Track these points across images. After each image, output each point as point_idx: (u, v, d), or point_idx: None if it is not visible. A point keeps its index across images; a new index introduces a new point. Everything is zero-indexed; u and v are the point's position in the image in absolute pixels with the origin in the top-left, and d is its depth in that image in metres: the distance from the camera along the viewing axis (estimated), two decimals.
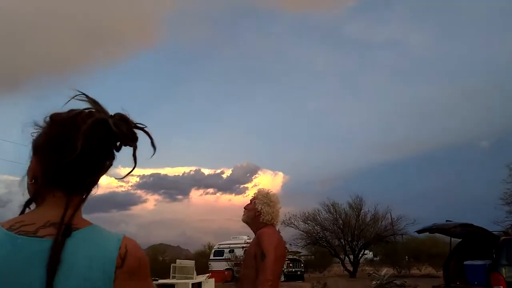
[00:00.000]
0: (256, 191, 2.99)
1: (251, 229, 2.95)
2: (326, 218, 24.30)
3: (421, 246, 24.93)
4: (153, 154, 1.10)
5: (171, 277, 8.91)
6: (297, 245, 23.59)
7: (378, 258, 33.79)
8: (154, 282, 8.51)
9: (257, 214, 2.84)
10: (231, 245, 23.27)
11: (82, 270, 0.93)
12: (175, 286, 8.35)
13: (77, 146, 0.95)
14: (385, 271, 12.83)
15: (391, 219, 25.11)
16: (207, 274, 9.39)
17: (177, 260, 9.71)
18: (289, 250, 20.85)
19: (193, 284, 8.47)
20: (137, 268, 1.02)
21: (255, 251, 2.63)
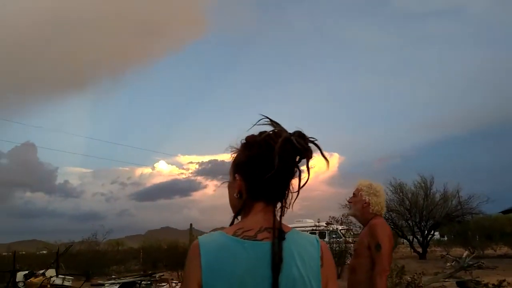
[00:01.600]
0: (358, 183, 3.08)
1: (359, 221, 3.06)
2: (392, 199, 23.68)
3: (494, 225, 23.58)
4: (327, 165, 1.29)
5: None
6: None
7: (446, 238, 32.65)
8: None
9: (365, 206, 2.93)
10: (296, 229, 23.56)
11: (297, 268, 1.12)
12: None
13: (274, 163, 1.15)
14: (466, 253, 12.31)
15: (459, 197, 24.00)
16: None
17: None
18: (353, 232, 20.67)
19: None
20: (332, 267, 1.22)
21: (369, 242, 2.75)
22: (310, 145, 1.22)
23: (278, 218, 1.19)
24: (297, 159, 1.22)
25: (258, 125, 1.24)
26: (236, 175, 1.25)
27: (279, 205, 1.23)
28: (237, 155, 1.28)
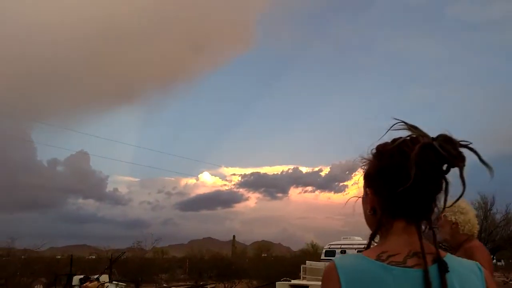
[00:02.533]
0: None
1: (451, 246, 2.80)
2: None
3: None
4: (491, 172, 1.03)
5: (301, 278, 9.04)
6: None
7: (502, 263, 30.70)
8: (286, 282, 8.72)
9: (454, 227, 2.68)
10: (343, 246, 22.84)
11: None
12: (309, 287, 8.43)
13: (410, 174, 0.96)
14: None
15: None
16: None
17: (307, 261, 9.87)
18: None
19: None
20: None
21: None
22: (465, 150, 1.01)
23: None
24: (444, 168, 1.01)
25: (392, 130, 1.07)
26: (368, 189, 1.10)
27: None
28: (367, 167, 1.12)
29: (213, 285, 10.98)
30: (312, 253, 42.81)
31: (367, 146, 1.14)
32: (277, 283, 9.02)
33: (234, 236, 44.41)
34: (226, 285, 16.13)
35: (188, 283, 20.33)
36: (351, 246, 22.08)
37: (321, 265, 9.61)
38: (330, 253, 23.19)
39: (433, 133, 1.04)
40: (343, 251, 22.17)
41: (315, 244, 45.15)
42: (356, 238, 23.17)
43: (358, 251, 21.86)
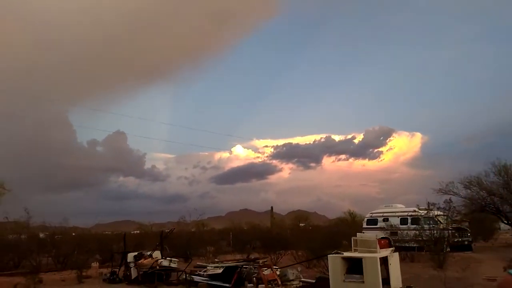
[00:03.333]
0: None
1: None
2: (494, 182, 21.70)
3: None
4: None
5: (353, 250, 8.98)
6: (460, 213, 21.66)
7: None
8: (338, 255, 8.69)
9: None
10: (385, 214, 22.62)
11: None
12: (363, 260, 8.36)
13: None
14: None
15: None
16: (391, 248, 9.21)
17: (357, 233, 9.78)
18: (452, 219, 19.31)
19: (379, 258, 8.40)
20: None
21: None
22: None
23: None
24: None
25: None
26: None
27: None
28: None
29: (265, 260, 11.12)
30: (350, 221, 42.81)
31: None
32: (329, 256, 9.00)
33: (272, 207, 44.90)
34: (272, 257, 16.36)
35: (235, 255, 20.78)
36: (393, 214, 21.85)
37: (372, 236, 9.51)
38: (372, 221, 23.09)
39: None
40: (385, 219, 22.00)
41: (352, 212, 45.08)
42: (399, 205, 22.90)
43: (401, 219, 21.31)
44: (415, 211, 20.24)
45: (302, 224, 49.30)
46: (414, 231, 17.87)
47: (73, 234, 23.90)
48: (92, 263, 17.63)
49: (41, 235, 20.65)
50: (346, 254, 8.88)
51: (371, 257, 8.26)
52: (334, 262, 8.49)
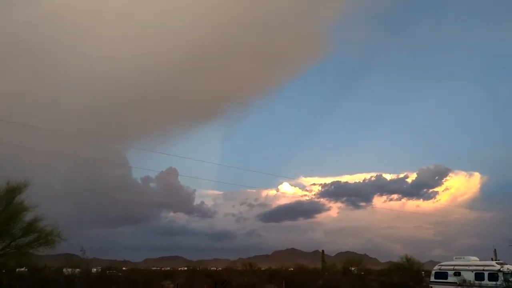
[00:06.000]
0: None
1: None
2: None
3: None
4: None
5: None
6: None
7: None
8: None
9: None
10: (456, 267, 20.30)
11: None
12: None
13: None
14: None
15: None
16: None
17: None
18: None
19: None
20: None
21: None
22: None
23: None
24: None
25: None
26: None
27: None
28: None
29: None
30: (407, 267, 39.48)
31: None
32: None
33: (323, 251, 42.63)
34: None
35: None
36: (467, 268, 19.52)
37: None
38: (442, 275, 20.77)
39: None
40: (457, 273, 19.70)
41: (410, 258, 41.64)
42: (472, 258, 20.48)
43: (476, 274, 19.10)
44: (492, 265, 17.98)
45: (353, 268, 46.24)
46: None
47: (123, 268, 23.83)
48: None
49: (94, 269, 20.68)
50: None
51: None
52: None
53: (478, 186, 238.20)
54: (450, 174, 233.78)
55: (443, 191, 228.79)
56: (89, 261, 20.48)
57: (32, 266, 20.72)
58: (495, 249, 31.54)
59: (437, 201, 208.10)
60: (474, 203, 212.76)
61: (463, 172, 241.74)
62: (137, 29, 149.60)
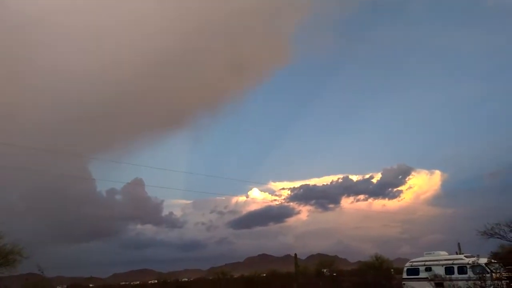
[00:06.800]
0: None
1: None
2: None
3: None
4: None
5: None
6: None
7: None
8: None
9: None
10: (427, 262, 20.65)
11: None
12: None
13: None
14: None
15: None
16: None
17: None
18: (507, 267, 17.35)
19: None
20: None
21: None
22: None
23: None
24: None
25: None
26: None
27: None
28: None
29: None
30: (378, 266, 40.08)
31: None
32: None
33: (295, 254, 42.44)
34: None
35: None
36: (437, 262, 19.88)
37: None
38: (413, 271, 21.03)
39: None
40: (428, 269, 20.02)
41: (380, 257, 42.34)
42: (441, 253, 20.90)
43: (446, 268, 19.47)
44: (461, 258, 18.39)
45: (325, 270, 46.42)
46: (463, 281, 16.11)
47: (90, 285, 22.65)
48: None
49: None
50: None
51: None
52: None
53: (439, 183, 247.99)
54: (413, 173, 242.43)
55: (407, 189, 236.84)
56: (52, 280, 19.24)
57: None
58: (459, 243, 32.59)
59: (401, 199, 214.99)
60: (436, 200, 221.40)
61: (425, 171, 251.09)
62: (100, 40, 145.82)
